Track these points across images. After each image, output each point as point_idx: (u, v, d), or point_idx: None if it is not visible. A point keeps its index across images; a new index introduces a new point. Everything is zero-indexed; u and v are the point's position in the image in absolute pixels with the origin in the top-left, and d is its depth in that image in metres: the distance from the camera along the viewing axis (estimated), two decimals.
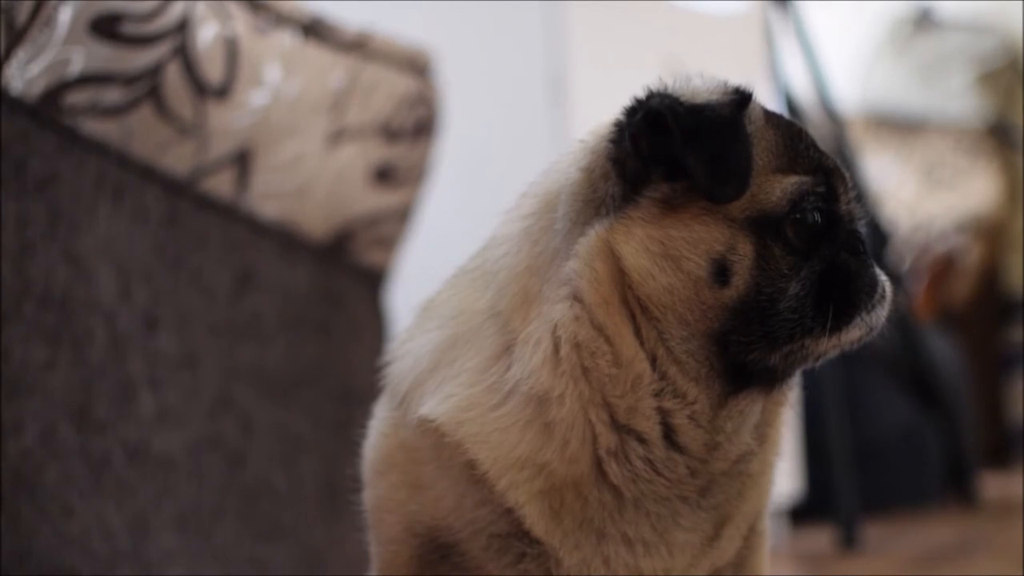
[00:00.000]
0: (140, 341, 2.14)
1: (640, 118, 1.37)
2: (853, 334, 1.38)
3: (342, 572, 2.47)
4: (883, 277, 1.42)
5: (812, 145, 1.40)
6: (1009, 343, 6.51)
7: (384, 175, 2.58)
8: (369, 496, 1.51)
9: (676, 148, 1.34)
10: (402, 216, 2.65)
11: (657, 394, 1.37)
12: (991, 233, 6.46)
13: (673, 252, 1.35)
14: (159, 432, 2.16)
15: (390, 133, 2.57)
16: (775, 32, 4.28)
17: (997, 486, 5.11)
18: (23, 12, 1.91)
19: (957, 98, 6.67)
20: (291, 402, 2.46)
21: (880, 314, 1.40)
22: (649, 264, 1.35)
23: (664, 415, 1.37)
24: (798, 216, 1.35)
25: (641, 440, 1.38)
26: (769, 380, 1.40)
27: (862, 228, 1.43)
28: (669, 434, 1.38)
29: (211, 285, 2.30)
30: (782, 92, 4.19)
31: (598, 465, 1.38)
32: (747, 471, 1.44)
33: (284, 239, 2.46)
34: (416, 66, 2.61)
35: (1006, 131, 6.58)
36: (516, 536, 1.41)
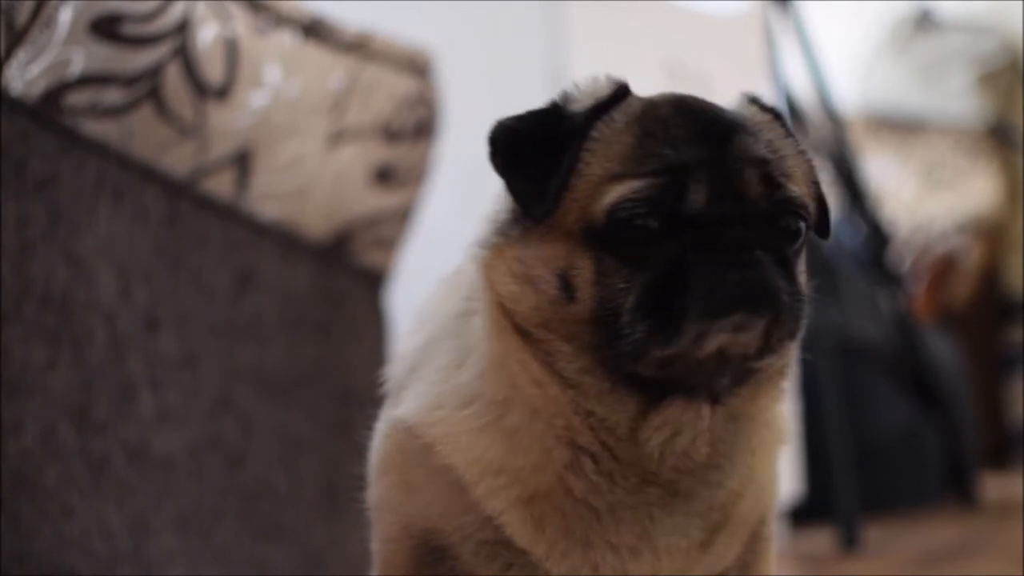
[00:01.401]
0: (140, 341, 2.14)
1: (488, 143, 1.39)
2: (709, 342, 1.27)
3: (342, 573, 2.47)
4: (758, 278, 1.29)
5: (673, 141, 1.32)
6: (1009, 344, 6.51)
7: (384, 176, 2.58)
8: (371, 495, 1.52)
9: (501, 171, 1.37)
10: (402, 217, 2.66)
11: (577, 413, 1.36)
12: (991, 234, 6.46)
13: (531, 272, 1.35)
14: (159, 432, 2.16)
15: (390, 134, 2.57)
16: (775, 32, 4.28)
17: (997, 487, 5.11)
18: (23, 12, 1.91)
19: (957, 99, 6.67)
20: (291, 402, 2.46)
21: (739, 320, 1.27)
22: (515, 288, 1.36)
23: (594, 432, 1.36)
24: (622, 226, 1.30)
25: (590, 455, 1.37)
26: (686, 390, 1.33)
27: (739, 224, 1.31)
28: (608, 448, 1.37)
29: (211, 285, 2.30)
30: (782, 92, 4.19)
31: (561, 478, 1.38)
32: (722, 482, 1.41)
33: (284, 240, 2.46)
34: (416, 66, 2.61)
35: (1006, 132, 6.58)
36: (503, 544, 1.41)
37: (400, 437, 1.46)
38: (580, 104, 1.38)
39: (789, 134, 1.42)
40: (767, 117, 1.42)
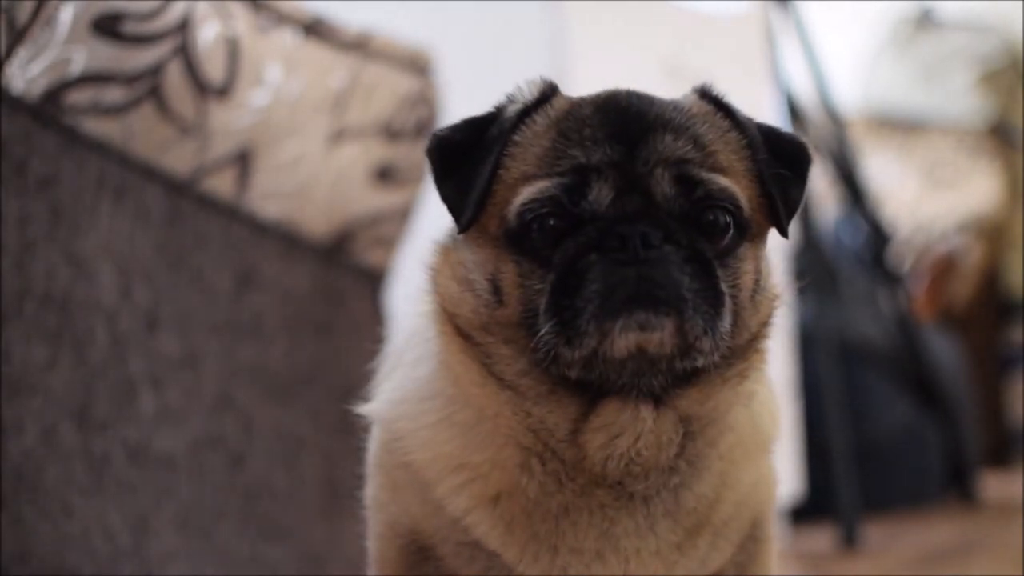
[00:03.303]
0: (141, 341, 2.14)
1: (426, 157, 1.41)
2: (617, 341, 1.27)
3: (342, 572, 2.47)
4: (656, 275, 1.28)
5: (583, 142, 1.33)
6: (1009, 343, 6.51)
7: (385, 175, 2.58)
8: (366, 494, 1.54)
9: (435, 183, 1.39)
10: (403, 216, 2.65)
11: (516, 414, 1.36)
12: (992, 233, 6.45)
13: (469, 275, 1.36)
14: (160, 432, 2.16)
15: (391, 133, 2.56)
16: (776, 32, 4.28)
17: (997, 486, 5.11)
18: (24, 11, 1.91)
19: (958, 98, 6.66)
20: (292, 402, 2.46)
21: (642, 318, 1.27)
22: (456, 291, 1.37)
23: (536, 433, 1.36)
24: (534, 227, 1.31)
25: (537, 455, 1.37)
26: (619, 391, 1.33)
27: (647, 222, 1.30)
28: (551, 449, 1.36)
29: (212, 285, 2.30)
30: (783, 93, 4.18)
31: (517, 477, 1.38)
32: (686, 485, 1.40)
33: (285, 239, 2.46)
34: (417, 66, 2.61)
35: (1007, 131, 6.58)
36: (479, 546, 1.42)
37: (384, 435, 1.48)
38: (511, 108, 1.39)
39: (736, 126, 1.40)
40: (708, 108, 1.40)
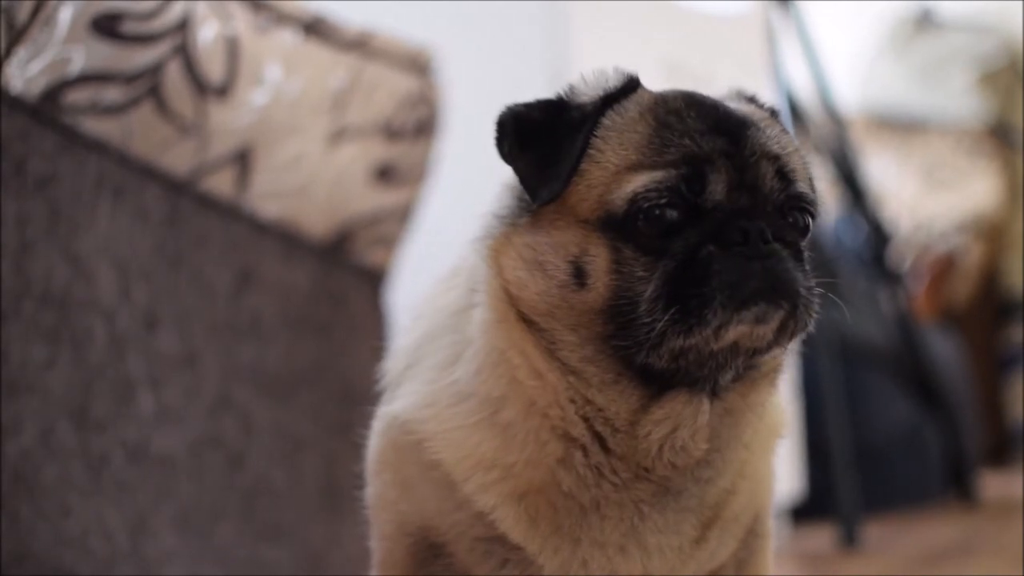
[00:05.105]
0: (140, 340, 2.14)
1: (495, 128, 1.39)
2: (728, 333, 1.28)
3: (342, 572, 2.47)
4: (778, 270, 1.30)
5: (690, 132, 1.33)
6: (1009, 343, 6.51)
7: (385, 174, 2.58)
8: (369, 493, 1.53)
9: (507, 155, 1.37)
10: (403, 215, 2.65)
11: (574, 402, 1.36)
12: (991, 233, 6.46)
13: (540, 257, 1.35)
14: (159, 432, 2.16)
15: (391, 132, 2.56)
16: (776, 32, 4.28)
17: (997, 486, 5.11)
18: (24, 11, 1.91)
19: (958, 98, 6.67)
20: (291, 401, 2.46)
21: (760, 311, 1.28)
22: (524, 273, 1.36)
23: (588, 423, 1.36)
24: (642, 216, 1.31)
25: (581, 447, 1.37)
26: (691, 383, 1.34)
27: (756, 216, 1.32)
28: (601, 441, 1.37)
29: (211, 284, 2.30)
30: (783, 92, 4.18)
31: (553, 473, 1.38)
32: (713, 479, 1.41)
33: (285, 238, 2.45)
34: (417, 65, 2.61)
35: (1006, 131, 6.58)
36: (498, 541, 1.41)
37: (394, 434, 1.47)
38: (587, 95, 1.39)
39: (785, 132, 1.43)
40: (765, 114, 1.43)
